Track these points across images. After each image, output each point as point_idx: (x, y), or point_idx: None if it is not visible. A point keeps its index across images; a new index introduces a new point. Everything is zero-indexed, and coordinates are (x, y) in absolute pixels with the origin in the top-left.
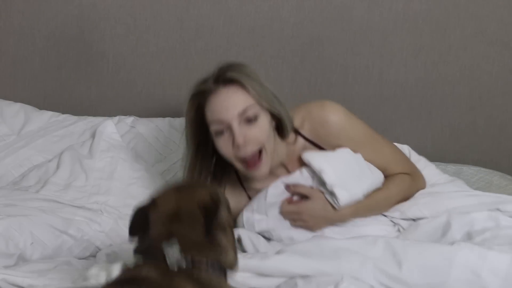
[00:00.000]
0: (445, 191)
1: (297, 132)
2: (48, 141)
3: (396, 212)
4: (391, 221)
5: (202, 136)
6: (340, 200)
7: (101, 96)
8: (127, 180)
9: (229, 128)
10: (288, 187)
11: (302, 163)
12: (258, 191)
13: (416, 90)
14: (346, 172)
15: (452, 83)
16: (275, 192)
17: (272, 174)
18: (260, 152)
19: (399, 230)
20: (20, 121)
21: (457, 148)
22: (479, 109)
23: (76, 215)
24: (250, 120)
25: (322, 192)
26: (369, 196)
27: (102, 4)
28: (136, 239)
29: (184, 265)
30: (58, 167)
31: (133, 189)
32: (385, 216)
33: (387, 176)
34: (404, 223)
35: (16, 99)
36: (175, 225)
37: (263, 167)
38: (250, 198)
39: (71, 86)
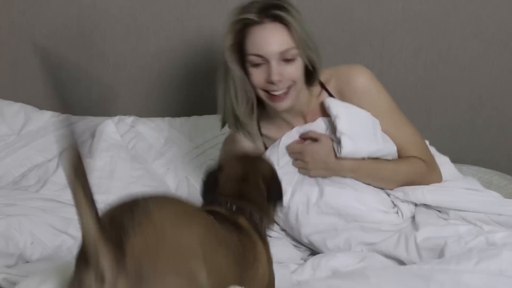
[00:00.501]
0: (453, 186)
1: (322, 86)
2: (48, 141)
3: (399, 192)
4: (392, 202)
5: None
6: (344, 148)
7: (101, 97)
8: (127, 179)
9: (267, 62)
10: (301, 135)
11: (321, 116)
12: (274, 140)
13: (416, 90)
14: (359, 128)
15: (452, 83)
16: (288, 141)
17: (289, 124)
18: (288, 87)
19: (397, 213)
20: (20, 121)
21: (457, 148)
22: (479, 109)
23: (76, 215)
24: (288, 60)
25: (332, 140)
26: (375, 160)
27: (102, 4)
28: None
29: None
30: (58, 166)
31: (133, 188)
32: (387, 195)
33: (401, 157)
34: (404, 208)
35: (16, 99)
36: (243, 186)
37: (287, 102)
38: (266, 148)
39: (71, 86)
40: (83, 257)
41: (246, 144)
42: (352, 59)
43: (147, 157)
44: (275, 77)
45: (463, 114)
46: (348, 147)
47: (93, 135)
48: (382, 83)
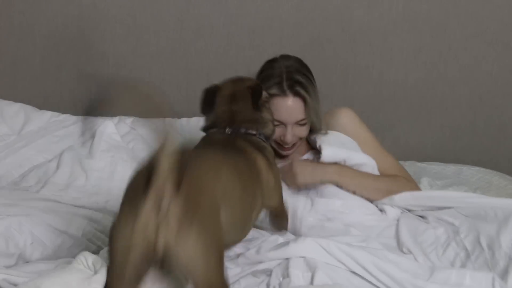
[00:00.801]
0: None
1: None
2: (48, 141)
3: (386, 198)
4: (377, 207)
5: None
6: (324, 150)
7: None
8: (127, 179)
9: (284, 125)
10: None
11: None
12: None
13: (416, 90)
14: (339, 142)
15: (452, 83)
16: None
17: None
18: (296, 142)
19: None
20: (20, 121)
21: (457, 148)
22: (479, 109)
23: (77, 215)
24: (301, 125)
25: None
26: (357, 169)
27: (102, 4)
28: (205, 116)
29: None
30: (58, 167)
31: None
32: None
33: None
34: (389, 210)
35: (16, 99)
36: (234, 104)
37: (291, 151)
38: None
39: (71, 86)
40: (140, 187)
41: None
42: (352, 59)
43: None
44: (289, 139)
45: (463, 114)
46: (327, 150)
47: (93, 136)
48: (379, 88)
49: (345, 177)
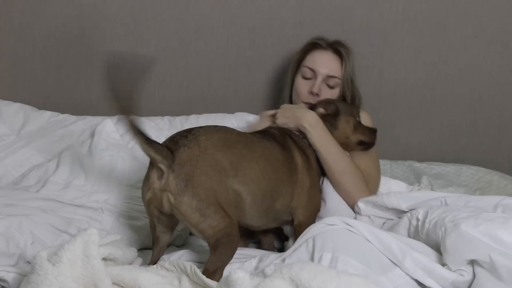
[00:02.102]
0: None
1: None
2: (48, 141)
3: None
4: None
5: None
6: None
7: (101, 96)
8: (127, 178)
9: (314, 78)
10: None
11: None
12: None
13: (416, 90)
14: None
15: (452, 83)
16: None
17: None
18: None
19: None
20: (19, 121)
21: (457, 148)
22: (479, 109)
23: (77, 214)
24: (329, 86)
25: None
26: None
27: (102, 4)
28: None
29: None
30: (57, 166)
31: (133, 187)
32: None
33: None
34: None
35: (16, 99)
36: None
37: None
38: None
39: (71, 86)
40: (150, 163)
41: None
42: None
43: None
44: (316, 89)
45: (463, 114)
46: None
47: (92, 135)
48: (379, 88)
49: (316, 131)
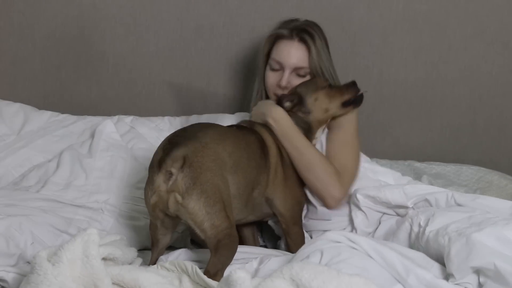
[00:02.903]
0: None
1: None
2: (48, 141)
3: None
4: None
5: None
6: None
7: (101, 96)
8: (127, 178)
9: (282, 70)
10: None
11: None
12: None
13: (416, 90)
14: None
15: (452, 83)
16: None
17: None
18: None
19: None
20: (19, 121)
21: (457, 148)
22: (479, 109)
23: (77, 214)
24: (299, 75)
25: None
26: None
27: (102, 4)
28: None
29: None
30: (58, 166)
31: (133, 187)
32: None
33: None
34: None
35: (16, 99)
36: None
37: None
38: None
39: (71, 86)
40: (155, 167)
41: None
42: (352, 59)
43: (149, 156)
44: (283, 82)
45: (463, 114)
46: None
47: (92, 135)
48: (379, 88)
49: (279, 126)
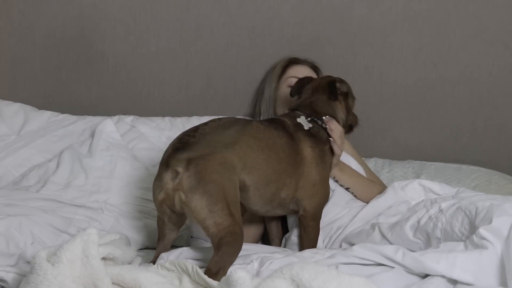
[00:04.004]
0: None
1: None
2: (48, 141)
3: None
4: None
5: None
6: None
7: (101, 96)
8: (127, 178)
9: None
10: None
11: None
12: None
13: (416, 90)
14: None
15: (452, 83)
16: None
17: None
18: None
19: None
20: (19, 121)
21: (457, 148)
22: (479, 109)
23: (77, 214)
24: None
25: None
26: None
27: (102, 4)
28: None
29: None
30: (58, 166)
31: (133, 187)
32: None
33: None
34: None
35: (16, 99)
36: (314, 95)
37: None
38: None
39: (71, 86)
40: (164, 165)
41: None
42: (352, 59)
43: (150, 156)
44: None
45: (463, 114)
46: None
47: (92, 135)
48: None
49: (345, 174)
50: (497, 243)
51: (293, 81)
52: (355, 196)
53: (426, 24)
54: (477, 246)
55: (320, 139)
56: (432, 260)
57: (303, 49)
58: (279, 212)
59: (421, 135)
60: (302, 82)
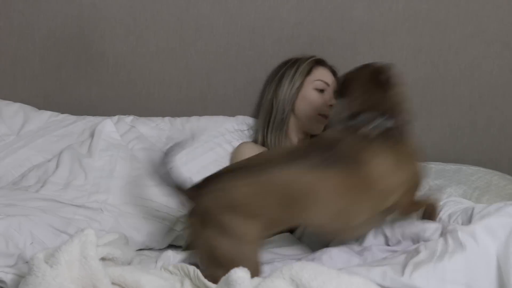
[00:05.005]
0: None
1: None
2: (47, 141)
3: None
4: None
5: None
6: None
7: (101, 96)
8: (127, 178)
9: (325, 91)
10: None
11: None
12: None
13: (416, 90)
14: None
15: (452, 83)
16: None
17: None
18: None
19: None
20: (19, 121)
21: (457, 148)
22: (479, 108)
23: (76, 214)
24: None
25: None
26: None
27: (102, 4)
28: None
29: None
30: (57, 166)
31: (133, 187)
32: None
33: None
34: None
35: (16, 99)
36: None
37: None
38: None
39: (71, 86)
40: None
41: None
42: (352, 59)
43: (149, 156)
44: (333, 101)
45: (463, 114)
46: None
47: (92, 135)
48: None
49: None
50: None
51: (320, 84)
52: None
53: (426, 24)
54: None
55: (395, 137)
56: (422, 280)
57: (303, 49)
58: (377, 221)
59: (421, 135)
60: (345, 80)
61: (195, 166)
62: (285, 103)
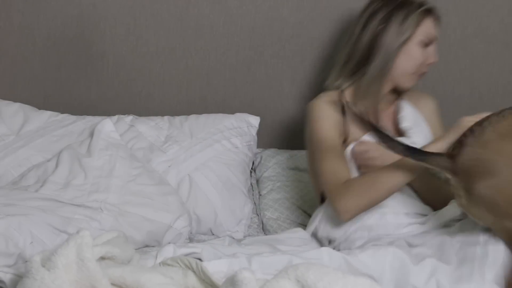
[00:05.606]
0: None
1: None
2: (47, 140)
3: None
4: None
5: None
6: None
7: (101, 96)
8: (126, 177)
9: (429, 46)
10: None
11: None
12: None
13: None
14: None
15: (452, 83)
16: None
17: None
18: None
19: None
20: (19, 121)
21: None
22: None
23: (76, 214)
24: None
25: None
26: None
27: (102, 4)
28: None
29: None
30: (57, 166)
31: (133, 186)
32: None
33: None
34: None
35: (15, 99)
36: None
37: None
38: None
39: (71, 86)
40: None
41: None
42: None
43: (149, 155)
44: (437, 58)
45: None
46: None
47: (91, 134)
48: None
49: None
50: None
51: (426, 39)
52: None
53: None
54: None
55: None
56: None
57: (303, 49)
58: None
59: None
60: None
61: (193, 163)
62: (390, 53)
